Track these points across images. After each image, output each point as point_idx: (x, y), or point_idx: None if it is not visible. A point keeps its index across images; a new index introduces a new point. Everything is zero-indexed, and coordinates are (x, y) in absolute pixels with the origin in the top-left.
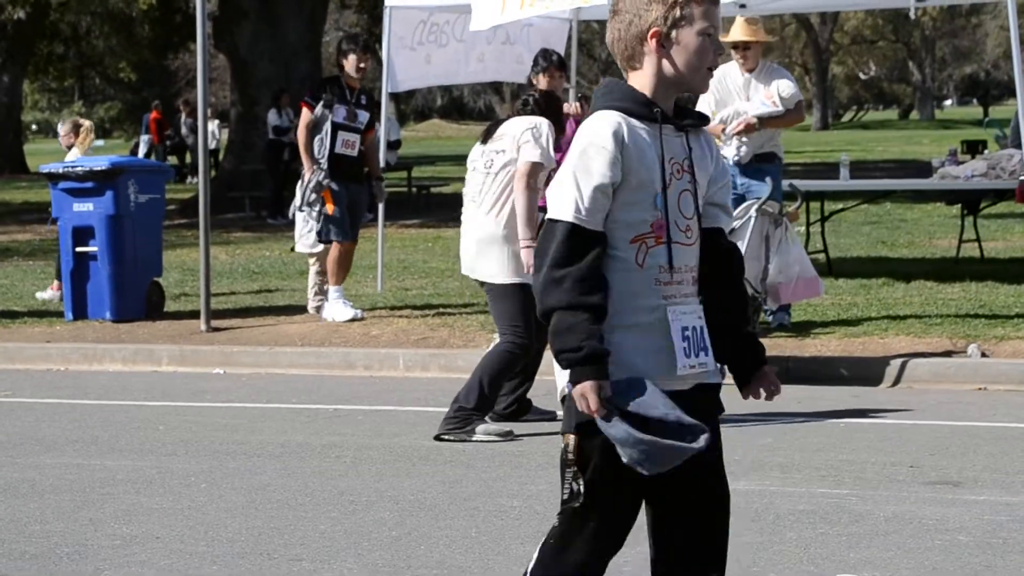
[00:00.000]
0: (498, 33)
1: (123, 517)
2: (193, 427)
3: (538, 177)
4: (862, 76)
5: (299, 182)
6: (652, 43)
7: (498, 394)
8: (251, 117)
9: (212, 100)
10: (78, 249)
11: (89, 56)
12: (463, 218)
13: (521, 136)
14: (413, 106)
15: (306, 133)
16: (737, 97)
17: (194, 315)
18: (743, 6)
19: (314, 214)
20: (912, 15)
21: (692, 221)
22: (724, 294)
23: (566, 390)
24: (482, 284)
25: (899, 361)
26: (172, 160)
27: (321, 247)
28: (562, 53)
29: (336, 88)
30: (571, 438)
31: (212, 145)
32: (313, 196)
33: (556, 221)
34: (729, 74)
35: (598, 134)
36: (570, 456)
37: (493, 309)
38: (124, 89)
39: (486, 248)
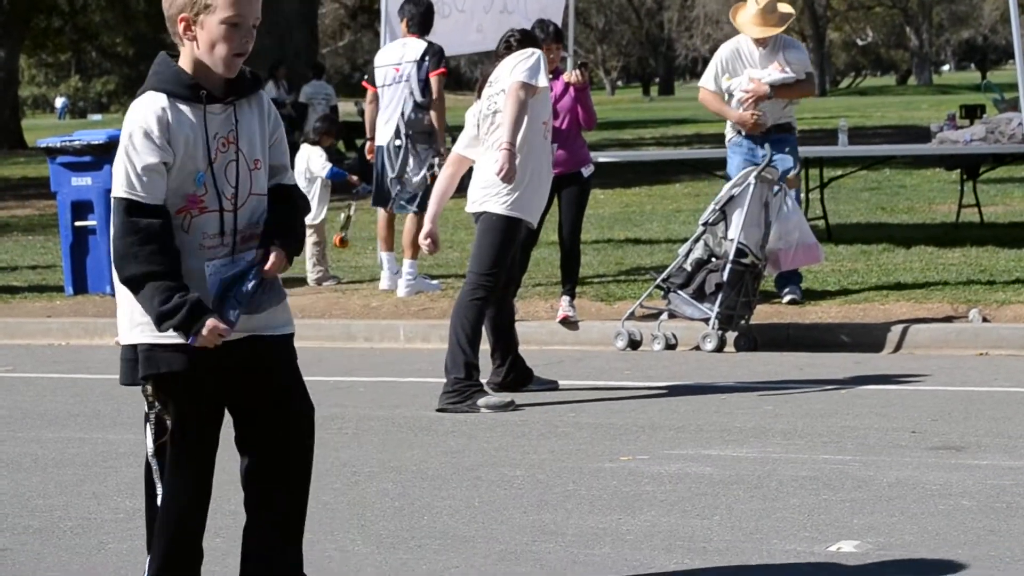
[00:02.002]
0: (495, 1)
1: (126, 490)
2: None
3: (527, 93)
4: (859, 42)
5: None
6: (181, 27)
7: (478, 346)
8: None
9: None
10: (77, 223)
11: (86, 30)
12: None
13: (514, 66)
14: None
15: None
16: (749, 67)
17: None
18: None
19: (416, 183)
20: None
21: (237, 189)
22: (282, 215)
23: (129, 339)
24: (477, 219)
25: (900, 327)
26: None
27: (321, 218)
28: (559, 22)
29: None
30: (149, 387)
31: None
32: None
33: (116, 198)
34: (742, 46)
35: (147, 121)
36: (151, 400)
37: (476, 244)
38: (121, 63)
39: (493, 182)
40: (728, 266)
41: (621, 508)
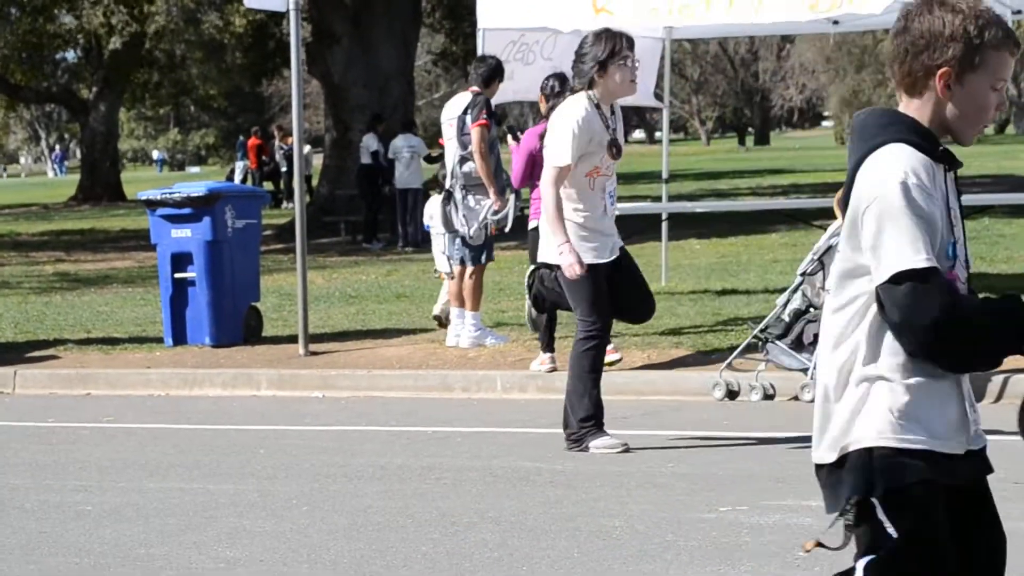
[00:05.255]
0: None
1: (226, 540)
2: (293, 451)
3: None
4: None
5: (442, 201)
6: (939, 83)
7: (596, 394)
8: (345, 142)
9: (306, 126)
10: (176, 275)
11: (184, 84)
12: None
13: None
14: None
15: (488, 154)
16: None
17: (292, 339)
18: (836, 22)
19: (472, 235)
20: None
21: (965, 273)
22: None
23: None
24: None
25: (1000, 377)
26: (267, 186)
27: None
28: (654, 73)
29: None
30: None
31: (307, 171)
32: (494, 220)
33: (908, 271)
34: None
35: (916, 173)
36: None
37: (568, 295)
38: (219, 116)
39: (545, 234)
40: None
41: (720, 559)
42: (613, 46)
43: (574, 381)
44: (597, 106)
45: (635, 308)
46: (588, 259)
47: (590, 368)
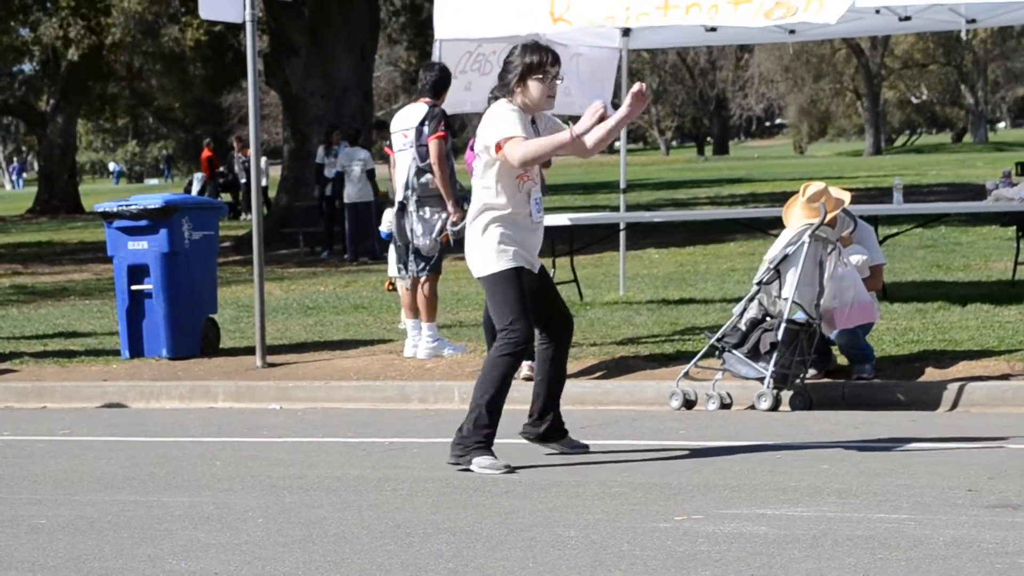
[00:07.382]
0: None
1: (181, 553)
2: (249, 462)
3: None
4: (914, 100)
5: (396, 213)
6: None
7: (498, 404)
8: (303, 153)
9: (264, 137)
10: (133, 287)
11: (142, 96)
12: None
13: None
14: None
15: (448, 165)
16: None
17: (249, 351)
18: (792, 32)
19: (427, 247)
20: (964, 36)
21: None
22: None
23: None
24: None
25: (956, 385)
26: (225, 197)
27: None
28: (611, 83)
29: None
30: None
31: (262, 182)
32: (453, 231)
33: None
34: None
35: None
36: None
37: (488, 305)
38: (178, 128)
39: (471, 242)
40: (783, 325)
41: (676, 568)
42: (535, 59)
43: (481, 388)
44: (522, 112)
45: (558, 322)
46: (516, 262)
47: (500, 377)
